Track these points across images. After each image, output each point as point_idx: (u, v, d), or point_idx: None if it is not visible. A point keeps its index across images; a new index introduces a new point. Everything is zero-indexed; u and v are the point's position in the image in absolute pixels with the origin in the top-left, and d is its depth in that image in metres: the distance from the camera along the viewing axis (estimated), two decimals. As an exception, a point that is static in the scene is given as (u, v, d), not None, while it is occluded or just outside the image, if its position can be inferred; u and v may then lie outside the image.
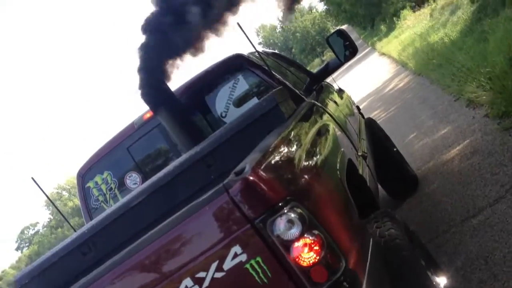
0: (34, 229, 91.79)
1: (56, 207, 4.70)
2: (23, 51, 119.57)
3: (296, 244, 2.14)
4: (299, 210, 2.17)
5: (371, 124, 6.36)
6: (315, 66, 61.98)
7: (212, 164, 3.30)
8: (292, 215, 2.15)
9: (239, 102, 4.30)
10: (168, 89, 4.09)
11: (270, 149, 2.51)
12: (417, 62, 14.03)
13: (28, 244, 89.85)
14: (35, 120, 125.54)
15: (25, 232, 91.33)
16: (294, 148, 2.75)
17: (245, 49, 4.52)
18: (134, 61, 4.12)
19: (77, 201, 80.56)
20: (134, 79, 4.10)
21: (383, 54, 26.53)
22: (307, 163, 2.72)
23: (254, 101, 4.23)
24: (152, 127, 4.44)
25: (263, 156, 2.38)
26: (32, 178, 4.13)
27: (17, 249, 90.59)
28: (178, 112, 4.06)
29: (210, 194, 2.18)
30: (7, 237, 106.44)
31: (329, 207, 2.53)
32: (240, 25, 3.78)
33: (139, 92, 4.06)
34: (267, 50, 5.88)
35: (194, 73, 4.54)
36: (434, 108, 9.15)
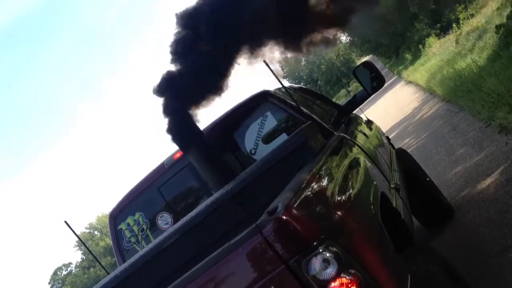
0: (67, 269, 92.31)
1: (88, 249, 4.71)
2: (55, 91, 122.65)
3: (333, 284, 2.08)
4: (334, 249, 2.13)
5: (402, 154, 6.28)
6: (341, 97, 62.02)
7: (243, 202, 3.28)
8: (328, 254, 2.10)
9: (268, 139, 4.29)
10: (197, 128, 4.10)
11: (302, 187, 2.47)
12: (445, 89, 13.90)
13: (61, 285, 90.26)
14: (68, 158, 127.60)
15: (58, 273, 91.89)
16: (326, 184, 2.71)
17: (270, 84, 4.54)
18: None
19: (108, 240, 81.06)
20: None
21: (409, 82, 26.41)
22: (340, 199, 2.67)
23: (283, 137, 4.21)
24: (182, 166, 4.45)
25: (295, 194, 2.35)
26: (66, 222, 4.17)
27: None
28: (207, 151, 4.06)
29: (243, 235, 2.15)
30: (39, 278, 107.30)
31: (364, 243, 2.47)
32: (267, 62, 3.80)
33: (168, 132, 4.09)
34: (294, 85, 5.90)
35: (222, 111, 4.56)
36: (465, 135, 9.01)
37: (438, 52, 25.25)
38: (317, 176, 2.74)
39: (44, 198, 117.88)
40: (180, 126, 4.05)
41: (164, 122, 4.10)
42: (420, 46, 32.54)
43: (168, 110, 4.04)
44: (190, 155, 4.13)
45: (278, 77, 4.13)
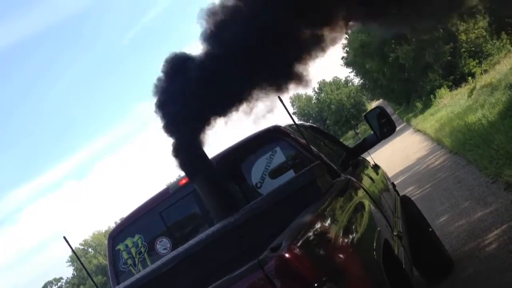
0: (57, 284, 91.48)
1: (84, 267, 4.67)
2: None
3: None
4: None
5: (406, 202, 6.26)
6: (348, 138, 62.11)
7: (245, 235, 3.26)
8: None
9: (275, 174, 4.29)
10: (206, 156, 4.11)
11: (307, 226, 2.46)
12: (454, 141, 13.90)
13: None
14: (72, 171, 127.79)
15: (48, 287, 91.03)
16: (330, 226, 2.70)
17: (278, 119, 4.56)
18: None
19: (101, 259, 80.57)
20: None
21: (418, 130, 26.45)
22: (343, 242, 2.66)
23: (290, 173, 4.21)
24: (187, 193, 4.44)
25: (299, 233, 2.34)
26: (64, 238, 4.14)
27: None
28: (214, 180, 4.06)
29: (245, 269, 2.14)
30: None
31: (365, 290, 2.45)
32: (281, 98, 3.82)
33: (176, 157, 4.10)
34: (305, 123, 5.91)
35: (232, 142, 4.58)
36: (471, 189, 8.97)
37: (449, 103, 25.36)
38: (322, 217, 2.73)
39: (44, 210, 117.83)
40: (189, 153, 4.06)
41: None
42: (431, 96, 32.72)
43: (177, 135, 4.05)
44: (196, 183, 4.13)
45: (291, 114, 4.15)
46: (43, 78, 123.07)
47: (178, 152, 4.07)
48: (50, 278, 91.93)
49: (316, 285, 2.10)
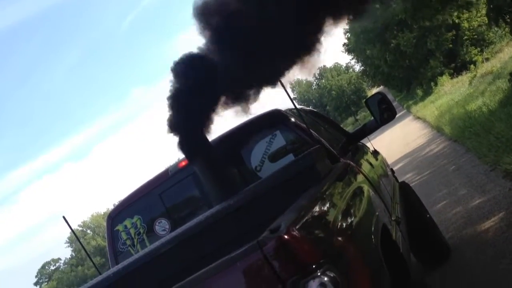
0: (55, 265, 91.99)
1: (83, 247, 4.71)
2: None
3: None
4: (332, 274, 2.12)
5: (404, 188, 6.27)
6: (348, 124, 62.08)
7: (243, 218, 3.27)
8: (325, 278, 2.10)
9: (275, 157, 4.30)
10: (206, 139, 4.11)
11: (306, 209, 2.48)
12: (453, 129, 13.91)
13: (47, 279, 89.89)
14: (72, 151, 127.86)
15: (46, 267, 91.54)
16: (329, 209, 2.72)
17: (279, 103, 4.55)
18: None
19: (100, 240, 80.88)
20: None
21: (418, 117, 26.45)
22: (342, 225, 2.67)
23: (290, 157, 4.22)
24: (186, 175, 4.45)
25: (298, 215, 2.35)
26: (64, 217, 4.17)
27: (36, 283, 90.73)
28: (213, 163, 4.07)
29: (243, 250, 2.15)
30: (27, 271, 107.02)
31: (362, 272, 2.47)
32: (282, 82, 3.82)
33: (176, 139, 4.10)
34: (305, 107, 5.91)
35: (232, 125, 4.57)
36: (469, 176, 9.00)
37: (450, 91, 25.35)
38: (321, 200, 2.74)
39: (41, 192, 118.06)
40: (189, 135, 4.06)
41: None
42: (432, 84, 32.68)
43: (180, 115, 4.05)
44: (196, 165, 4.14)
45: (291, 98, 4.15)
46: (42, 62, 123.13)
47: (177, 131, 4.06)
48: (48, 259, 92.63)
49: (314, 266, 2.11)
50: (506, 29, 22.67)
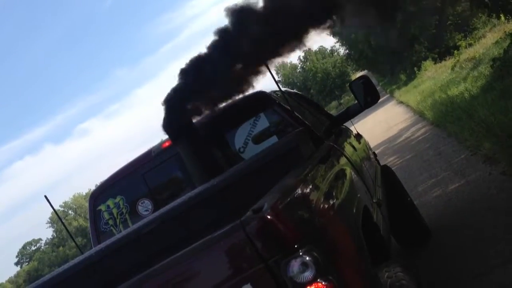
0: (36, 245, 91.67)
1: (65, 227, 4.69)
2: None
3: (309, 287, 2.11)
4: (314, 254, 2.15)
5: (386, 172, 6.33)
6: (331, 108, 62.21)
7: (226, 199, 3.28)
8: (307, 258, 2.12)
9: (259, 139, 4.30)
10: (190, 120, 4.11)
11: (289, 190, 2.49)
12: (436, 113, 14.03)
13: (28, 260, 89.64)
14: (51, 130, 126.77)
15: (27, 247, 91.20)
16: (312, 190, 2.74)
17: (264, 86, 4.55)
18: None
19: (81, 221, 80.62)
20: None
21: (401, 102, 26.62)
22: (324, 206, 2.70)
23: (273, 139, 4.23)
24: (169, 156, 4.44)
25: (281, 196, 2.36)
26: (45, 197, 4.15)
27: (16, 263, 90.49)
28: (197, 144, 4.07)
29: (226, 230, 2.17)
30: (8, 250, 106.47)
31: (344, 252, 2.50)
32: (268, 65, 3.82)
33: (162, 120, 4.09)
34: (290, 90, 5.91)
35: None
36: (450, 160, 9.11)
37: (433, 76, 25.47)
38: (304, 181, 2.76)
39: (25, 171, 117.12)
40: (173, 115, 4.05)
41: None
42: (415, 69, 32.81)
43: (165, 98, 4.05)
44: (179, 146, 4.13)
45: (277, 81, 4.16)
46: (22, 40, 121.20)
47: (164, 115, 4.06)
48: (29, 239, 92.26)
49: (296, 246, 2.13)
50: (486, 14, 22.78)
